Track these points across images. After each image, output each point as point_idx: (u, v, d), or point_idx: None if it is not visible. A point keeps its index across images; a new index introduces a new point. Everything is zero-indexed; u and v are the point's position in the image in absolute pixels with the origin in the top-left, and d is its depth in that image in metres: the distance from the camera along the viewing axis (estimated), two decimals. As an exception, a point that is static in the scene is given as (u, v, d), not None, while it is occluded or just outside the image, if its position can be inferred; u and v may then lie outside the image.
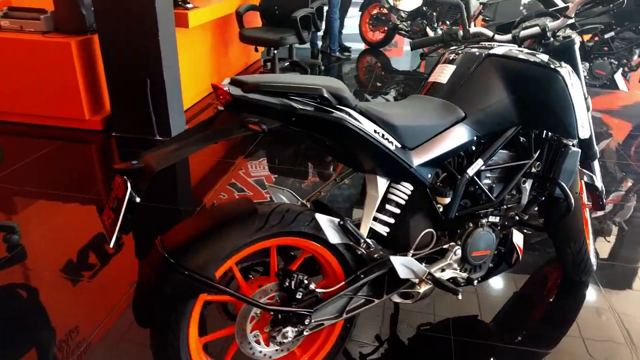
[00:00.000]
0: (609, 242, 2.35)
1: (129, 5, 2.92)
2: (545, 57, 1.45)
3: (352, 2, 6.28)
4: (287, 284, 1.26)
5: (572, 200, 1.55)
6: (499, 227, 1.63)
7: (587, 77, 3.94)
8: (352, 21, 6.56)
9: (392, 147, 1.26)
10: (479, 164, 1.48)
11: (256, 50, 4.55)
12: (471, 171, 1.48)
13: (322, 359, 1.46)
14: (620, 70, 3.90)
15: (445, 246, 1.51)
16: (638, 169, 3.14)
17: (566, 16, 1.56)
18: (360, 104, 1.23)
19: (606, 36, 3.84)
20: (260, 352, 1.32)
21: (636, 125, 3.84)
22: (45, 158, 3.03)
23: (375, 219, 1.42)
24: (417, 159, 1.34)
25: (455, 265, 1.54)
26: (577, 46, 1.60)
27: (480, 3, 4.12)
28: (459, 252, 1.52)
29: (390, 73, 5.38)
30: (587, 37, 3.95)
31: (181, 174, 2.94)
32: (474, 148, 1.51)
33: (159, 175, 2.88)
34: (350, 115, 1.17)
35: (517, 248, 1.66)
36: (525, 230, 1.80)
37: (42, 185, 2.69)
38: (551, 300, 1.96)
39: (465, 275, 1.54)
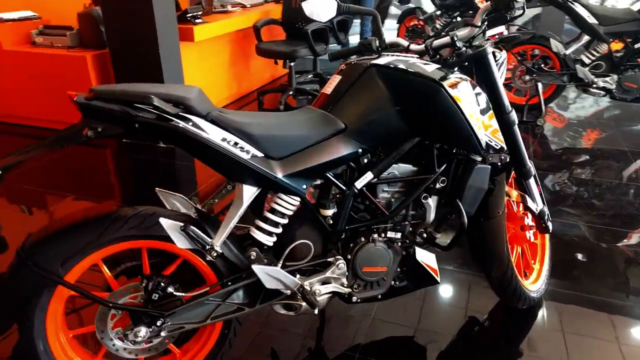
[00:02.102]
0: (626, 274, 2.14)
1: (133, 21, 3.15)
2: (431, 68, 1.39)
3: (388, 14, 6.26)
4: (144, 285, 1.31)
5: (465, 220, 1.45)
6: (399, 244, 1.56)
7: (616, 91, 3.60)
8: (390, 34, 6.53)
9: (247, 157, 1.27)
10: (367, 177, 1.45)
11: (275, 62, 4.67)
12: (359, 184, 1.44)
13: (201, 361, 1.48)
14: (655, 83, 3.52)
15: (331, 259, 1.48)
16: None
17: (474, 25, 1.49)
18: (214, 113, 1.26)
19: (637, 46, 3.49)
20: (125, 349, 1.38)
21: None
22: (61, 160, 3.33)
23: (259, 227, 1.44)
24: (284, 170, 1.33)
25: (343, 280, 1.50)
26: (490, 56, 1.51)
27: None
28: (343, 266, 1.48)
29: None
30: (616, 46, 3.62)
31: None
32: (365, 160, 1.47)
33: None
34: (193, 123, 1.21)
35: (427, 267, 1.58)
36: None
37: (51, 187, 2.97)
38: (491, 326, 1.83)
39: (347, 290, 1.49)
